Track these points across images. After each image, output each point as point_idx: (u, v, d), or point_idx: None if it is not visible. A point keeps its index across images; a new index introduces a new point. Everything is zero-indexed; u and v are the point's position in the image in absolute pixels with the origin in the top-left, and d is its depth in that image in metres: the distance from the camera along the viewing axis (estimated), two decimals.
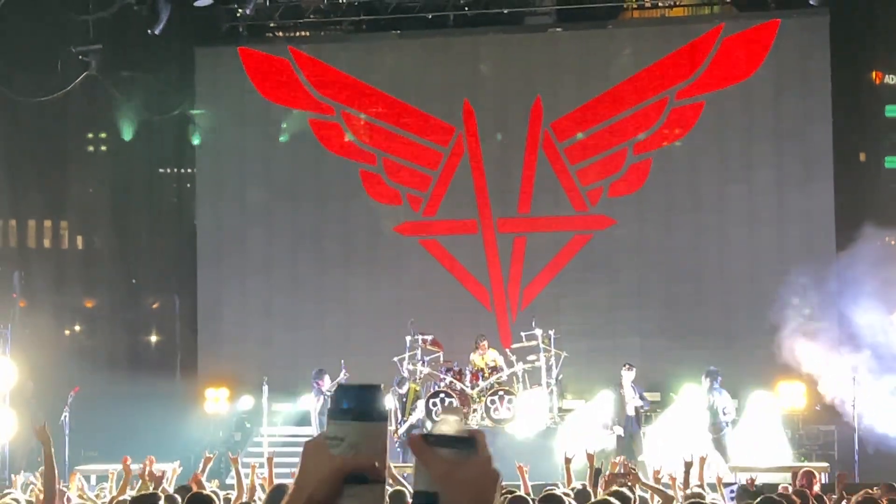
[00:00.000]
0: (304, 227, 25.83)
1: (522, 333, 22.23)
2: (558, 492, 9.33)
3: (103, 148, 27.58)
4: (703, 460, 11.77)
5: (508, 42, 25.58)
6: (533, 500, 9.11)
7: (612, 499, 8.91)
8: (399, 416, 21.30)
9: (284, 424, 24.07)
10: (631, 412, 21.43)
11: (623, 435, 21.34)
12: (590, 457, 11.44)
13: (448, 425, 2.72)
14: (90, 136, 27.65)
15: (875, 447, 20.75)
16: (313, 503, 2.70)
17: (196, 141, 26.01)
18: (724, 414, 21.27)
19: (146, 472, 11.30)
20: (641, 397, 21.68)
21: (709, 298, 24.37)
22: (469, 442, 2.70)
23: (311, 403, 22.32)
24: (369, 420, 2.73)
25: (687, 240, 24.69)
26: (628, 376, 21.56)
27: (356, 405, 2.74)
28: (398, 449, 20.65)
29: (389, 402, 21.32)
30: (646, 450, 21.02)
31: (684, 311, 24.36)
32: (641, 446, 21.27)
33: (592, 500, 9.33)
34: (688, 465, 10.78)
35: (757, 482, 14.14)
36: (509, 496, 8.97)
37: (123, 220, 27.07)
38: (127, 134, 26.12)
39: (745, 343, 23.62)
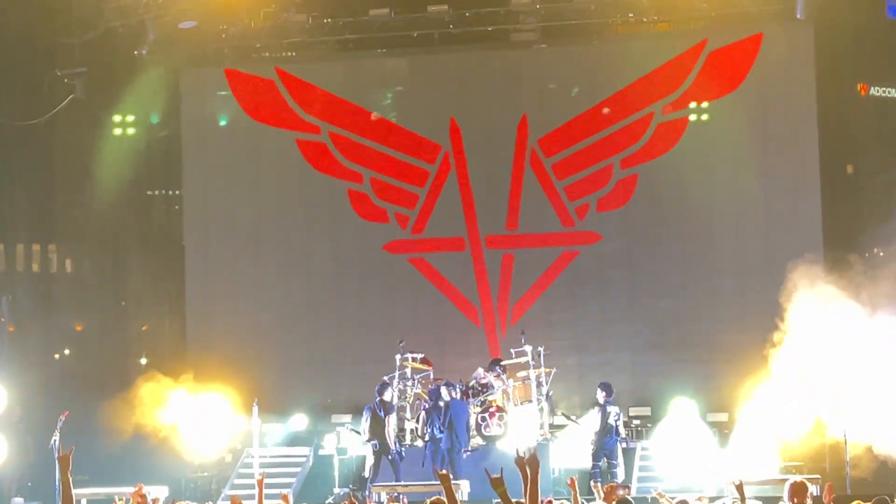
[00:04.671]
0: (293, 247, 25.80)
1: (512, 350, 22.21)
2: None
3: (90, 170, 27.47)
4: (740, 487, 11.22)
5: (494, 59, 25.61)
6: None
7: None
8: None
9: (275, 445, 24.04)
10: None
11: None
12: (572, 481, 11.49)
13: None
14: (77, 159, 27.55)
15: (866, 459, 20.73)
16: None
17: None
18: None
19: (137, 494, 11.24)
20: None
21: (698, 312, 24.37)
22: None
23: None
24: None
25: (675, 254, 24.69)
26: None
27: None
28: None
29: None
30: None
31: (674, 324, 24.36)
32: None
33: None
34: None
35: (749, 495, 14.07)
36: None
37: (111, 242, 27.01)
38: (114, 156, 26.09)
39: (734, 356, 23.57)
